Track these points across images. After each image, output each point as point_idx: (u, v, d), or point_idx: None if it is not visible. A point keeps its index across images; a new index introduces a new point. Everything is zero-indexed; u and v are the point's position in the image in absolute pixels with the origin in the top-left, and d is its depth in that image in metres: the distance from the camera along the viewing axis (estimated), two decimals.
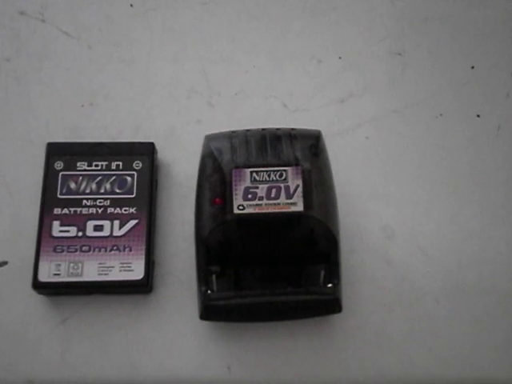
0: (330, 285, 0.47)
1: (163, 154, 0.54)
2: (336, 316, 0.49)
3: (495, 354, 0.50)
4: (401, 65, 0.60)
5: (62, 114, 0.56)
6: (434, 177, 0.56)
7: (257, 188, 0.45)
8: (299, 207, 0.45)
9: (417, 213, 0.54)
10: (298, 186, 0.45)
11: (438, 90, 0.59)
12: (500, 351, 0.50)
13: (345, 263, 0.49)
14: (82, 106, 0.56)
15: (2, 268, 0.50)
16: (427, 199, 0.55)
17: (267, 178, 0.45)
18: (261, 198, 0.44)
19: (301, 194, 0.45)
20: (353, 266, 0.51)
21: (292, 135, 0.47)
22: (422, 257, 0.52)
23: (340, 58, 0.60)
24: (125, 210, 0.50)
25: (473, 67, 0.60)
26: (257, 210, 0.44)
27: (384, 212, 0.54)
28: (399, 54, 0.60)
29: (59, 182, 0.50)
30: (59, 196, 0.50)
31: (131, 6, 0.60)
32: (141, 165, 0.51)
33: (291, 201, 0.45)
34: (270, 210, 0.44)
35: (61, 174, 0.51)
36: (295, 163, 0.46)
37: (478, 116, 0.58)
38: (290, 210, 0.44)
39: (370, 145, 0.57)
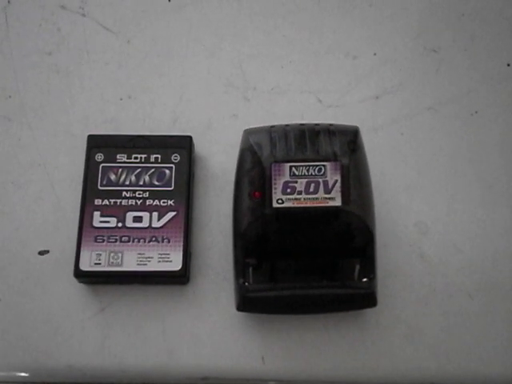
0: (365, 279, 0.47)
1: (200, 147, 0.55)
2: (370, 310, 0.49)
3: None
4: (436, 61, 0.60)
5: (101, 107, 0.57)
6: (468, 173, 0.56)
7: (296, 182, 0.45)
8: (337, 202, 0.45)
9: (451, 209, 0.54)
10: (336, 181, 0.45)
11: (474, 87, 0.59)
12: None
13: (379, 258, 0.49)
14: (121, 99, 0.57)
15: (44, 257, 0.52)
16: (462, 195, 0.55)
17: (306, 173, 0.46)
18: (299, 193, 0.45)
19: (339, 189, 0.45)
20: (387, 260, 0.52)
21: (330, 131, 0.48)
22: (456, 252, 0.53)
23: (375, 54, 0.60)
24: (163, 202, 0.51)
25: (509, 65, 0.59)
26: (295, 204, 0.45)
27: (418, 207, 0.54)
28: (434, 51, 0.60)
29: (100, 173, 0.52)
30: (100, 187, 0.51)
31: (169, 0, 0.60)
32: (179, 158, 0.52)
33: (329, 195, 0.45)
34: (309, 204, 0.45)
35: (101, 165, 0.52)
36: (334, 158, 0.46)
37: None
38: (328, 204, 0.45)
39: (405, 141, 0.57)
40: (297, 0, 0.61)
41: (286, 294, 0.47)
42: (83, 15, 0.60)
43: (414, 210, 0.54)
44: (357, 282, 0.47)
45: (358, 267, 0.48)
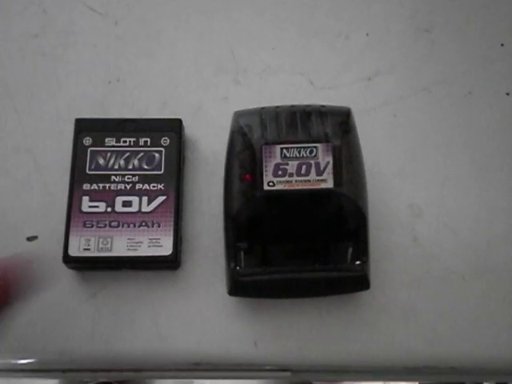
0: (358, 262, 0.47)
1: (190, 130, 0.54)
2: (363, 293, 0.49)
3: None
4: (429, 42, 0.59)
5: (89, 90, 0.56)
6: (461, 155, 0.55)
7: (287, 164, 0.45)
8: (329, 184, 0.45)
9: (444, 191, 0.54)
10: (328, 163, 0.45)
11: (467, 67, 0.58)
12: None
13: (372, 241, 0.49)
14: (109, 82, 0.56)
15: (32, 243, 0.51)
16: (455, 177, 0.54)
17: (297, 155, 0.45)
18: (291, 175, 0.44)
19: (331, 171, 0.45)
20: (380, 243, 0.51)
21: (322, 112, 0.47)
22: (450, 235, 0.52)
23: (367, 34, 0.59)
24: (153, 187, 0.50)
25: (502, 44, 0.59)
26: (287, 187, 0.44)
27: (411, 190, 0.54)
28: (427, 31, 0.59)
29: (88, 157, 0.51)
30: (88, 172, 0.50)
31: None
32: (168, 141, 0.51)
33: (321, 177, 0.45)
34: (300, 186, 0.44)
35: (89, 149, 0.51)
36: (325, 140, 0.46)
37: (508, 94, 0.57)
38: (320, 186, 0.44)
39: (398, 123, 0.56)
40: None
41: (278, 277, 0.46)
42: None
43: (407, 192, 0.54)
44: (349, 265, 0.47)
45: (350, 250, 0.47)
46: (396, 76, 0.58)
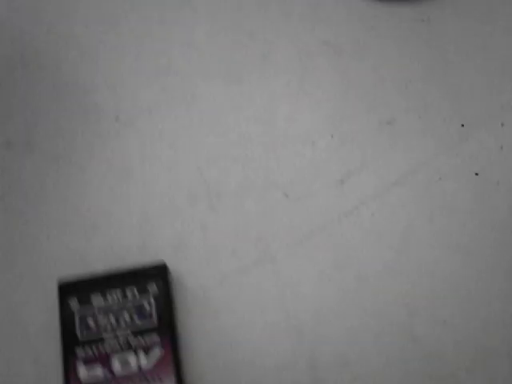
0: None
1: (173, 267, 0.54)
2: None
3: None
4: (393, 133, 0.60)
5: (65, 242, 0.55)
6: (446, 240, 0.56)
7: None
8: None
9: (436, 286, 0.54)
10: None
11: (432, 153, 0.59)
12: None
13: None
14: (85, 231, 0.55)
15: None
16: (443, 268, 0.55)
17: None
18: None
19: None
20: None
21: None
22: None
23: (332, 136, 0.60)
24: (148, 339, 0.49)
25: (463, 125, 0.60)
26: None
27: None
28: (389, 124, 0.60)
29: (77, 321, 0.49)
30: (79, 335, 0.49)
31: (116, 120, 0.59)
32: (155, 287, 0.51)
33: None
34: None
35: (77, 311, 0.50)
36: None
37: (477, 174, 0.58)
38: None
39: (377, 221, 0.57)
40: (245, 94, 0.61)
41: None
42: (31, 152, 0.58)
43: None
44: None
45: None
46: (367, 174, 0.58)
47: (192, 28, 0.63)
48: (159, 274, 0.51)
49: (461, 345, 0.52)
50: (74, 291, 0.50)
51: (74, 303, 0.50)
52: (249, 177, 0.58)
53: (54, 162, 0.57)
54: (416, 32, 0.63)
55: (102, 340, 0.49)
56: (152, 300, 0.50)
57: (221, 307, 0.53)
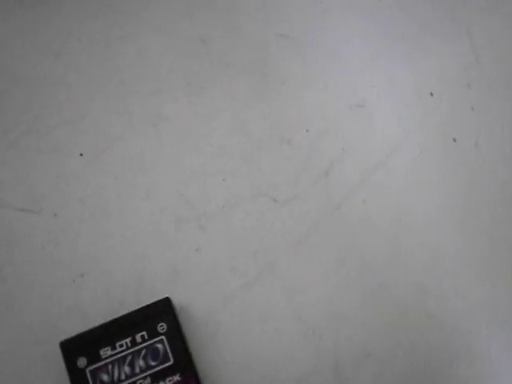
0: None
1: (175, 299, 0.51)
2: None
3: None
4: (366, 116, 0.59)
5: (57, 295, 0.51)
6: (440, 213, 0.56)
7: None
8: None
9: None
10: None
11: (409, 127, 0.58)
12: None
13: None
14: (74, 280, 0.51)
15: None
16: None
17: None
18: None
19: None
20: None
21: None
22: None
23: (307, 130, 0.58)
24: (169, 381, 0.47)
25: (432, 94, 0.60)
26: None
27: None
28: (360, 106, 0.59)
29: (89, 379, 0.46)
30: None
31: (80, 154, 0.55)
32: (165, 326, 0.48)
33: None
34: None
35: (87, 370, 0.46)
36: None
37: (455, 140, 0.58)
38: None
39: (367, 208, 0.56)
40: (209, 104, 0.58)
41: None
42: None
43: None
44: None
45: None
46: (349, 160, 0.57)
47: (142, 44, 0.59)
48: (164, 309, 0.48)
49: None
50: (79, 348, 0.47)
51: (82, 361, 0.46)
52: (232, 188, 0.55)
53: (21, 213, 0.53)
54: None
55: None
56: (164, 339, 0.47)
57: (232, 329, 0.51)
